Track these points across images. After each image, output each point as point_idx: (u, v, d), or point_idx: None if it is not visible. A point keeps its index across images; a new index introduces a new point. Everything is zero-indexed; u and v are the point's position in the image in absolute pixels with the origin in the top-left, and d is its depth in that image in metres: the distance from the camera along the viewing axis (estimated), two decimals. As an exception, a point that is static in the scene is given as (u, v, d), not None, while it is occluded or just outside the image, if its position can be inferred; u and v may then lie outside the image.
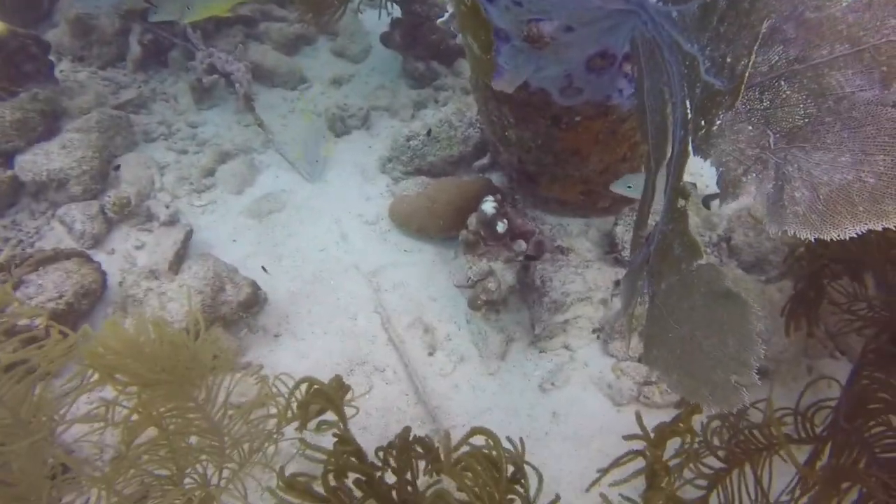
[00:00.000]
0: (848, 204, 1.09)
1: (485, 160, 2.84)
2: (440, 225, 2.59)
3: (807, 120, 1.24)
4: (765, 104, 1.24)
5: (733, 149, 1.27)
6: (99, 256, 2.60)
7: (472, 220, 2.38)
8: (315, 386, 1.51)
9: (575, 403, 2.30)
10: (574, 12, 1.67)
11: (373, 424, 2.26)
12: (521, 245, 2.40)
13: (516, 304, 2.52)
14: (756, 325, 1.32)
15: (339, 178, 3.00)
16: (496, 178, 2.81)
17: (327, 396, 1.50)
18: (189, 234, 2.67)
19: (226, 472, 1.82)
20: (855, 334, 2.19)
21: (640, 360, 2.34)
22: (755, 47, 1.32)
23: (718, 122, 1.32)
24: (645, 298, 1.60)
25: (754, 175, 1.22)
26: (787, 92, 1.27)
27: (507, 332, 2.44)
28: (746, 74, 1.26)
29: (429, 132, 2.84)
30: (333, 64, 3.61)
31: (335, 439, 1.45)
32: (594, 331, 2.44)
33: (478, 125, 2.82)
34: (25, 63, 2.99)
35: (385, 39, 3.36)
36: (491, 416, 2.28)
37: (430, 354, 2.43)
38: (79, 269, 2.39)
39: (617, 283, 2.48)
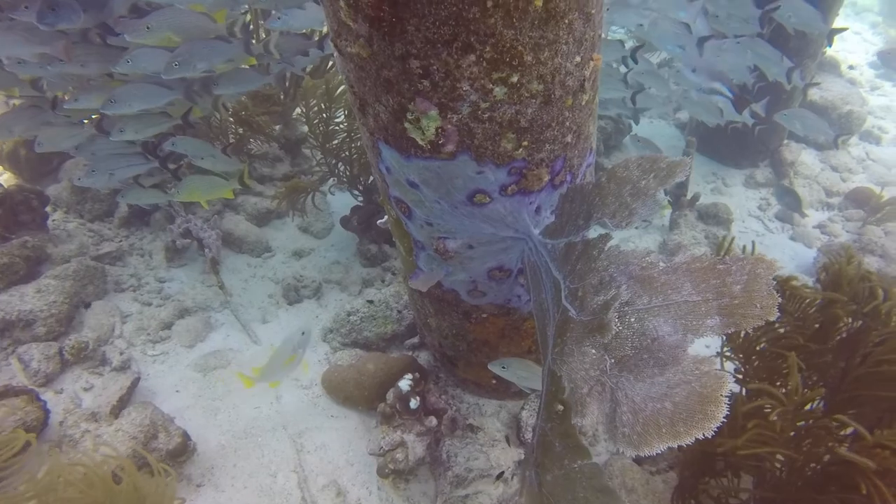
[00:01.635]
0: (656, 427, 1.46)
1: (415, 339, 3.17)
2: (365, 396, 2.87)
3: (632, 352, 1.64)
4: (601, 334, 1.62)
5: (580, 368, 1.64)
6: (47, 395, 2.83)
7: (390, 395, 2.67)
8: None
9: (465, 577, 2.46)
10: (473, 235, 2.09)
11: (273, 582, 2.39)
12: (433, 421, 2.67)
13: (425, 475, 2.74)
14: None
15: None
16: (424, 356, 3.13)
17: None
18: (136, 382, 2.92)
19: None
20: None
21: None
22: (590, 280, 1.73)
23: (570, 344, 1.70)
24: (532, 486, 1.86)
25: (596, 395, 1.58)
26: (619, 327, 1.68)
27: (413, 501, 2.64)
28: (611, 314, 1.63)
29: (371, 301, 3.20)
30: (298, 238, 4.05)
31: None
32: (492, 508, 2.65)
33: (411, 309, 3.19)
34: (23, 213, 3.39)
35: (344, 223, 3.82)
36: (387, 584, 2.43)
37: (339, 517, 2.61)
38: (24, 406, 2.61)
39: (518, 462, 2.73)
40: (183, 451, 2.62)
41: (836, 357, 2.14)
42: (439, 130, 1.71)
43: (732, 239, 2.40)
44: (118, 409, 2.78)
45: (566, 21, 1.55)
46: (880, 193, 4.79)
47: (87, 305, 3.27)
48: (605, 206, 1.84)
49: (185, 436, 2.65)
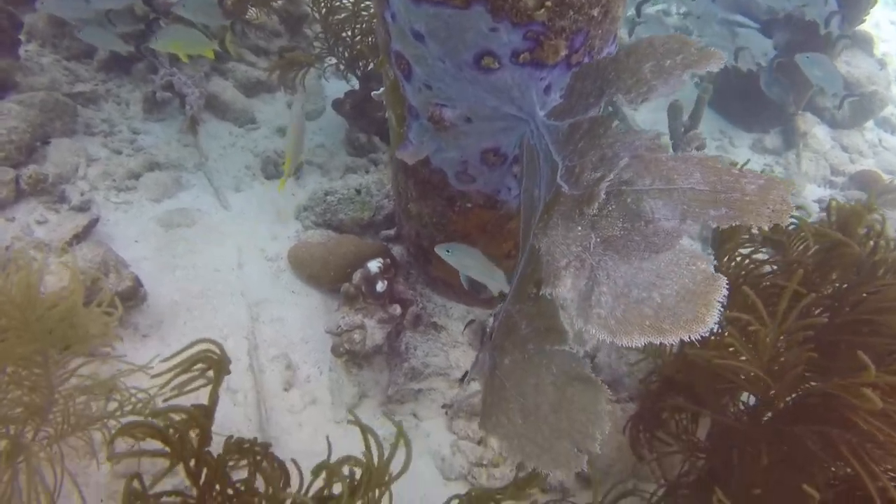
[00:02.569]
0: (639, 317, 1.30)
1: (391, 231, 3.04)
2: (331, 276, 2.75)
3: (622, 233, 1.50)
4: (594, 211, 1.49)
5: (561, 242, 1.50)
6: (-2, 221, 2.67)
7: (357, 276, 2.55)
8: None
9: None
10: (473, 106, 1.94)
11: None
12: (396, 309, 2.57)
13: (381, 365, 2.65)
14: (606, 406, 1.50)
15: (255, 213, 3.16)
16: (398, 250, 3.00)
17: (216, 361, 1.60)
18: (93, 222, 2.76)
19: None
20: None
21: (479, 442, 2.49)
22: (592, 158, 1.60)
23: (556, 218, 1.56)
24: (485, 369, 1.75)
25: (572, 270, 1.44)
26: (613, 204, 1.53)
27: (364, 387, 2.56)
28: (602, 186, 1.50)
29: (358, 191, 3.05)
30: (286, 115, 3.85)
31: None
32: (444, 406, 2.58)
33: (392, 198, 3.05)
34: (-8, 33, 3.14)
35: (336, 105, 3.63)
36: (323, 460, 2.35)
37: (286, 390, 2.52)
38: (-30, 225, 2.45)
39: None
40: (133, 295, 2.49)
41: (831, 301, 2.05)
42: (454, -29, 1.54)
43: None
44: (71, 245, 2.63)
45: None
46: (891, 180, 4.70)
47: (48, 143, 3.05)
48: (621, 82, 1.68)
49: (137, 281, 2.51)
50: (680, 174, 1.54)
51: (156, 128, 3.48)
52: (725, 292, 1.27)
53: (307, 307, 2.79)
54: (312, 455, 2.36)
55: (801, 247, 2.21)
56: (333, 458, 2.35)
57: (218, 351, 1.63)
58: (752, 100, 4.88)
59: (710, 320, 1.25)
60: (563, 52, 1.77)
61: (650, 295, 1.34)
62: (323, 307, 2.80)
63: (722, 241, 2.23)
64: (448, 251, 2.11)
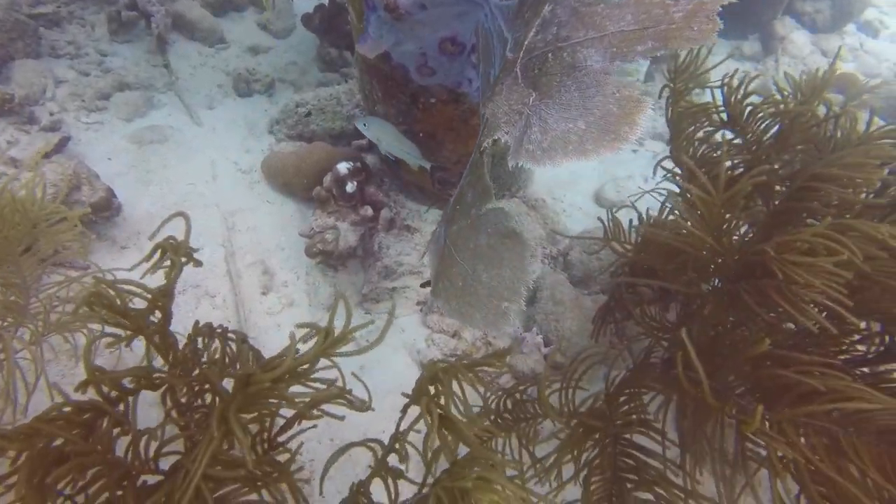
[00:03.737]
0: (563, 143, 1.38)
1: (363, 140, 3.05)
2: (304, 183, 2.78)
3: (557, 82, 1.54)
4: (535, 72, 1.53)
5: (504, 103, 1.54)
6: (-33, 139, 2.67)
7: (327, 178, 2.58)
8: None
9: (382, 362, 2.48)
10: (426, -8, 1.94)
11: (189, 340, 2.38)
12: (368, 210, 2.61)
13: (356, 268, 2.71)
14: (530, 260, 1.56)
15: (228, 128, 3.17)
16: (371, 158, 3.02)
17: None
18: (64, 141, 2.77)
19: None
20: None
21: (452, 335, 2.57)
22: (535, 25, 1.62)
23: (500, 86, 1.60)
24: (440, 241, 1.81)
25: (512, 122, 1.49)
26: (552, 62, 1.57)
27: (340, 288, 2.62)
28: (524, 45, 1.54)
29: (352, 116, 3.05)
30: (255, 34, 3.81)
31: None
32: (419, 303, 2.65)
33: (362, 106, 3.05)
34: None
35: (305, 21, 3.58)
36: (303, 357, 2.43)
37: (263, 294, 2.58)
38: (-60, 141, 2.46)
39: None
40: (107, 206, 2.52)
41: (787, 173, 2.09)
42: None
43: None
44: (44, 161, 2.64)
45: None
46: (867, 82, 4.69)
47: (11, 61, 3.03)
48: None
49: (110, 192, 2.54)
50: (612, 20, 1.56)
51: (123, 49, 3.44)
52: (649, 111, 1.34)
53: (282, 215, 2.83)
54: (291, 352, 2.45)
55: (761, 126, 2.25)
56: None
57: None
58: (729, 7, 4.81)
59: (633, 135, 1.32)
60: (511, -73, 1.76)
61: (576, 125, 1.41)
62: (298, 215, 2.84)
63: (678, 121, 2.26)
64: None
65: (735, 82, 2.24)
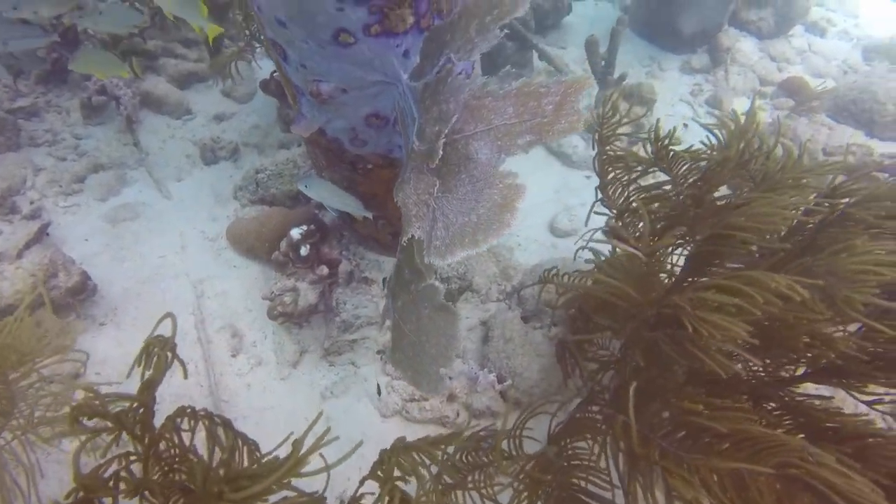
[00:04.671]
0: (461, 237, 1.59)
1: (321, 199, 3.26)
2: (266, 247, 2.99)
3: (455, 174, 1.76)
4: (439, 163, 1.73)
5: (413, 193, 1.74)
6: (-47, 236, 2.91)
7: (283, 243, 2.79)
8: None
9: (348, 411, 2.68)
10: (344, 78, 2.14)
11: (164, 409, 2.58)
12: (324, 270, 2.81)
13: (319, 323, 2.91)
14: (460, 328, 1.77)
15: (195, 198, 3.39)
16: (329, 215, 3.23)
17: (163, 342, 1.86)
18: (44, 227, 3.00)
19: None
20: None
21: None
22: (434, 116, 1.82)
23: (409, 172, 1.80)
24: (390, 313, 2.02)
25: (422, 216, 1.69)
26: (450, 152, 1.78)
27: (304, 344, 2.82)
28: (440, 142, 1.73)
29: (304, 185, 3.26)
30: (220, 102, 4.04)
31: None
32: (378, 352, 2.84)
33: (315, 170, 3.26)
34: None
35: (263, 86, 3.80)
36: (272, 414, 2.63)
37: (233, 356, 2.78)
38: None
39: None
40: (82, 289, 2.74)
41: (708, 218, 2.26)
42: (292, -38, 1.73)
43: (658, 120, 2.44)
44: (24, 252, 2.87)
45: None
46: (819, 86, 4.85)
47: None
48: (454, 42, 1.89)
49: (85, 275, 2.76)
50: (497, 113, 1.78)
51: (96, 131, 3.69)
52: (523, 197, 1.55)
53: (248, 278, 3.04)
54: (261, 410, 2.65)
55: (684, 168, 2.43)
56: (278, 411, 2.65)
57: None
58: (675, 24, 5.02)
59: (514, 221, 1.53)
60: (411, 20, 1.97)
61: (470, 219, 1.62)
62: (263, 277, 3.04)
63: (605, 165, 2.44)
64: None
65: (662, 131, 2.36)
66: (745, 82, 5.04)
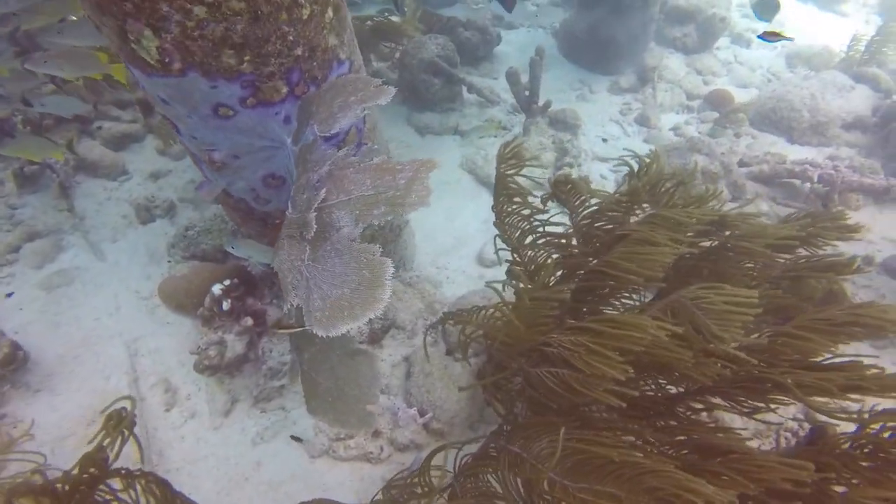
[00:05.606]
0: (338, 310, 1.71)
1: (250, 251, 3.38)
2: (194, 303, 3.09)
3: (322, 242, 1.89)
4: (306, 230, 1.85)
5: (287, 258, 1.87)
6: None
7: (207, 299, 2.90)
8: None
9: (278, 455, 2.77)
10: (233, 146, 2.27)
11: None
12: (248, 321, 2.92)
13: (251, 372, 3.00)
14: (379, 367, 1.89)
15: (130, 259, 3.50)
16: (257, 267, 3.35)
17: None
18: (-23, 302, 3.10)
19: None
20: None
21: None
22: (303, 184, 1.94)
23: (283, 239, 1.93)
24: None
25: (297, 284, 1.82)
26: (316, 223, 1.91)
27: (235, 393, 2.92)
28: (312, 212, 1.85)
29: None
30: (156, 160, 4.16)
31: None
32: (308, 395, 2.95)
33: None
34: None
35: (194, 143, 3.93)
36: (205, 463, 2.72)
37: (167, 410, 2.88)
38: None
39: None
40: (12, 360, 2.84)
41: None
42: (160, 50, 1.86)
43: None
44: (-45, 327, 2.97)
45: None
46: (742, 102, 5.04)
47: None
48: (319, 114, 2.03)
49: (15, 345, 2.86)
50: (356, 184, 1.91)
51: (32, 199, 3.79)
52: (391, 271, 1.67)
53: (180, 334, 3.14)
54: (194, 461, 2.75)
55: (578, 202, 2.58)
56: (211, 460, 2.75)
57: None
58: (601, 47, 5.20)
59: (386, 296, 1.64)
60: (285, 90, 2.10)
61: (343, 291, 1.75)
62: (195, 331, 3.14)
63: (502, 204, 2.57)
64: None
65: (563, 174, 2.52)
66: (672, 98, 5.22)
